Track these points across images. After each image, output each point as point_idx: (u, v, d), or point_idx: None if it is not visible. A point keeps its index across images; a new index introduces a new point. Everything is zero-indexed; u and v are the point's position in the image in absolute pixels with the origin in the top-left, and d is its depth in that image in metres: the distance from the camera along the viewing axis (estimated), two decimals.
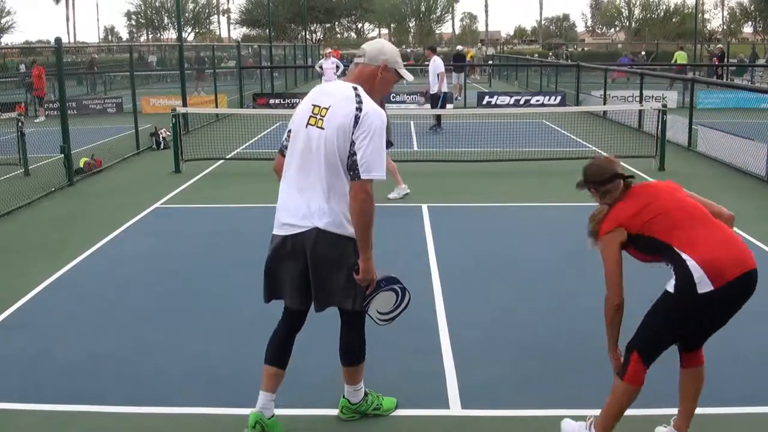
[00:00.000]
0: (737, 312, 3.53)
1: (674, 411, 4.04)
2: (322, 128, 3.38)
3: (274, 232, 3.56)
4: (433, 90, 15.83)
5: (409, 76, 3.65)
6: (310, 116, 3.44)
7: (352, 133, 3.33)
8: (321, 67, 21.14)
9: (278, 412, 3.88)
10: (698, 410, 4.06)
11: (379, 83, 3.53)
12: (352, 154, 3.33)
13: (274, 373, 3.70)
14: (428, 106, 16.35)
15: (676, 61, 29.02)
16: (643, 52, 40.20)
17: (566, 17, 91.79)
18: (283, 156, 3.59)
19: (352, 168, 3.34)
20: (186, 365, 4.70)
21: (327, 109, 3.40)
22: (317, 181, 3.40)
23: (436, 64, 15.76)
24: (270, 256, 3.58)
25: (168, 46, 37.02)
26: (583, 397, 4.23)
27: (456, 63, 24.71)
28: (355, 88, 3.43)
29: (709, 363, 4.79)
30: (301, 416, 4.03)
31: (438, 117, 16.11)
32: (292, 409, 4.04)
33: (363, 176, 3.32)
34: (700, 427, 3.93)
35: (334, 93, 3.46)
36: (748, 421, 4.03)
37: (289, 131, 3.57)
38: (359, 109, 3.35)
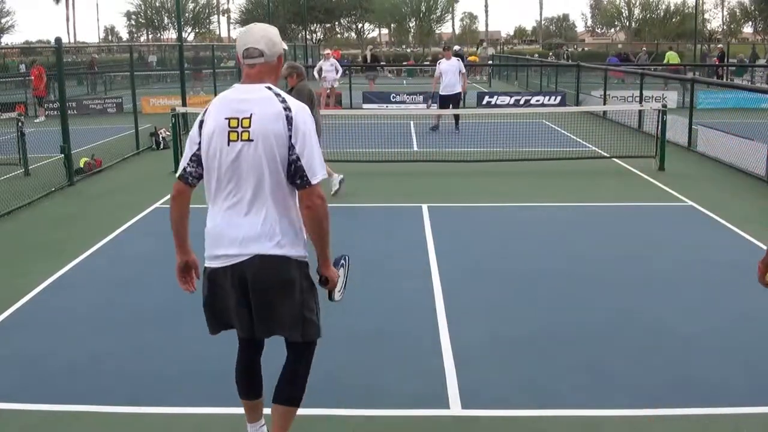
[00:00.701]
0: None
1: (674, 411, 4.05)
2: (251, 140, 2.99)
3: (207, 265, 3.24)
4: (459, 89, 15.77)
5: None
6: (229, 131, 3.01)
7: (289, 137, 2.98)
8: (320, 71, 19.76)
9: None
10: (698, 410, 4.06)
11: (277, 74, 3.19)
12: (294, 160, 2.99)
13: (252, 405, 3.51)
14: (431, 109, 16.15)
15: (668, 61, 29.01)
16: (644, 48, 39.98)
17: (566, 17, 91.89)
18: (187, 185, 3.18)
19: (297, 175, 3.01)
20: (186, 365, 4.70)
21: (249, 118, 3.00)
22: (258, 200, 3.04)
23: (460, 64, 15.88)
24: (207, 290, 3.28)
25: (168, 46, 37.03)
26: (583, 397, 4.23)
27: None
28: (269, 88, 3.08)
29: (710, 362, 4.80)
30: (298, 416, 4.02)
31: (456, 117, 15.91)
32: None
33: (313, 181, 3.01)
34: (703, 427, 3.93)
35: (248, 99, 3.05)
36: (751, 422, 4.03)
37: (194, 155, 3.12)
38: (287, 109, 3.01)
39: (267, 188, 3.02)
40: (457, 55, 17.43)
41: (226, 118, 3.03)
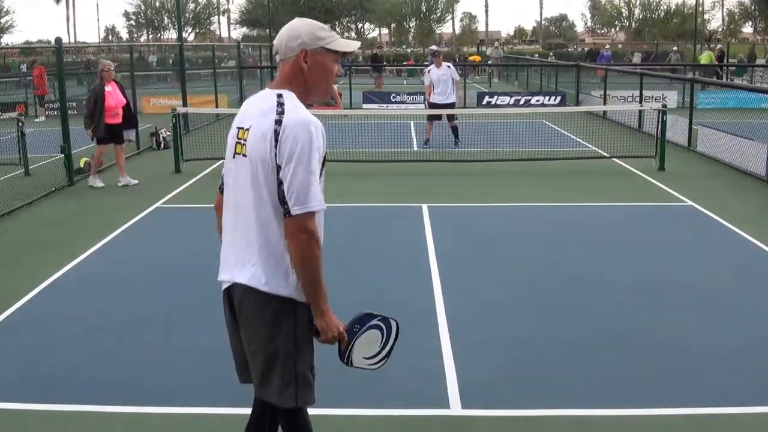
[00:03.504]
0: None
1: (672, 411, 4.05)
2: (245, 155, 2.65)
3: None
4: (453, 99, 14.14)
5: (349, 46, 2.77)
6: (237, 143, 2.71)
7: (275, 156, 2.55)
8: None
9: None
10: (698, 410, 4.07)
11: (310, 74, 2.68)
12: (279, 183, 2.57)
13: None
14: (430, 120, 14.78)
15: (700, 61, 29.05)
16: (645, 47, 39.89)
17: (564, 17, 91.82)
18: (222, 194, 2.91)
19: (282, 201, 2.58)
20: (186, 365, 4.70)
21: (248, 130, 2.65)
22: (249, 223, 2.67)
23: (453, 71, 14.22)
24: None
25: (167, 46, 37.03)
26: (583, 397, 4.23)
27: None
28: (279, 95, 2.64)
29: (710, 362, 4.80)
30: None
31: (455, 131, 14.15)
32: None
33: (295, 211, 2.54)
34: (703, 427, 3.93)
35: (256, 107, 2.70)
36: (752, 421, 4.03)
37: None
38: (278, 122, 2.56)
39: (259, 211, 2.64)
40: (434, 54, 15.44)
41: (237, 127, 2.73)
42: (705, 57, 29.71)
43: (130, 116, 11.05)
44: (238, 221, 2.71)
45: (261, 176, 2.60)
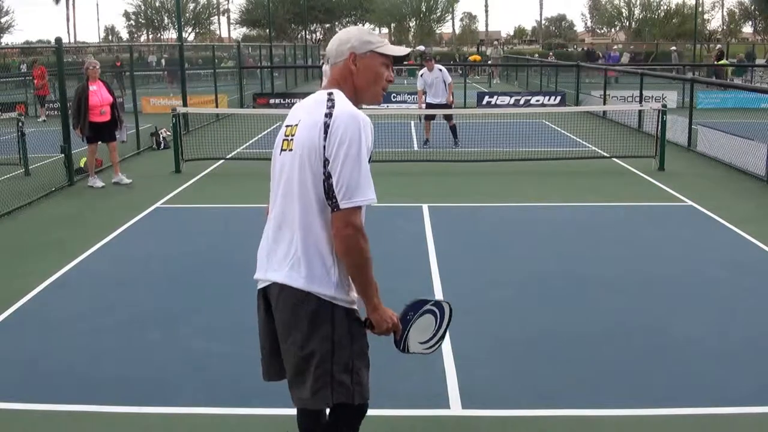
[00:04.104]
0: None
1: (672, 411, 4.05)
2: (292, 150, 2.65)
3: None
4: (447, 99, 14.16)
5: (398, 51, 2.78)
6: (284, 140, 2.73)
7: (324, 147, 2.55)
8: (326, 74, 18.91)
9: (278, 411, 3.89)
10: (698, 410, 4.07)
11: (360, 76, 2.71)
12: (327, 176, 2.55)
13: None
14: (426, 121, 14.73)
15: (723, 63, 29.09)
16: (643, 46, 39.90)
17: (563, 17, 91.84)
18: None
19: (329, 196, 2.56)
20: (186, 365, 4.70)
21: (296, 125, 2.67)
22: (292, 219, 2.65)
23: (445, 73, 14.17)
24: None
25: (166, 46, 37.01)
26: (583, 396, 4.23)
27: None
28: (330, 93, 2.68)
29: (710, 362, 4.79)
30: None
31: (453, 130, 14.21)
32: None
33: (343, 205, 2.52)
34: (703, 427, 3.93)
35: (307, 104, 2.73)
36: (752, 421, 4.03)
37: None
38: (328, 115, 2.57)
39: (304, 207, 2.62)
40: (425, 58, 15.25)
41: (286, 125, 2.75)
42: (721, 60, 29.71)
43: (115, 115, 10.74)
44: (283, 219, 2.69)
45: (307, 169, 2.59)
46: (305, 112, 2.67)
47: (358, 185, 2.53)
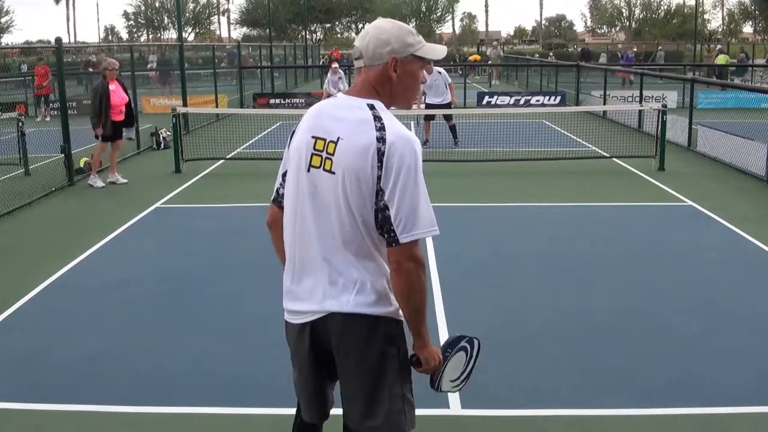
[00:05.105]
0: None
1: (672, 411, 4.05)
2: (333, 173, 2.37)
3: (286, 319, 2.64)
4: (448, 99, 14.13)
5: (438, 53, 2.53)
6: (313, 154, 2.42)
7: (379, 177, 2.31)
8: (331, 84, 17.86)
9: (279, 411, 3.89)
10: (698, 410, 4.07)
11: (399, 84, 2.46)
12: (383, 208, 2.33)
13: None
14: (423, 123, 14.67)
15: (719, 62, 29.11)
16: (643, 47, 39.93)
17: (563, 17, 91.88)
18: (280, 208, 2.60)
19: (383, 227, 2.36)
20: (186, 365, 4.70)
21: (335, 142, 2.37)
22: (335, 246, 2.43)
23: (444, 75, 14.16)
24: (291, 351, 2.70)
25: (158, 46, 36.97)
26: (583, 396, 4.23)
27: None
28: (372, 107, 2.40)
29: (710, 362, 4.79)
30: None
31: (453, 130, 14.20)
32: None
33: (403, 239, 2.33)
34: (703, 427, 3.93)
35: (342, 117, 2.41)
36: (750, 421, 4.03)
37: (284, 174, 2.57)
38: (381, 140, 2.31)
39: (348, 233, 2.39)
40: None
41: (313, 137, 2.44)
42: (721, 59, 29.70)
43: (131, 114, 11.16)
44: (324, 245, 2.44)
45: (358, 197, 2.34)
46: (346, 130, 2.38)
47: (419, 216, 2.34)
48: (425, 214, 2.37)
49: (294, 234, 2.51)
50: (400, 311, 2.50)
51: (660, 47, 40.14)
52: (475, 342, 2.86)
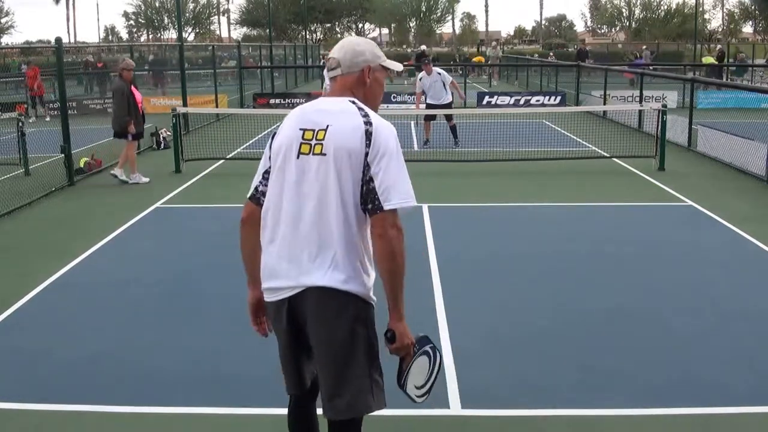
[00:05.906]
0: None
1: (672, 411, 4.05)
2: (323, 154, 2.63)
3: (266, 299, 2.81)
4: (448, 100, 14.07)
5: (396, 66, 2.96)
6: (302, 143, 2.67)
7: (366, 154, 2.60)
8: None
9: (279, 411, 3.89)
10: (698, 410, 4.07)
11: (371, 89, 2.81)
12: (368, 180, 2.60)
13: None
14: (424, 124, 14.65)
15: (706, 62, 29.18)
16: (647, 48, 39.85)
17: (563, 17, 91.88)
18: (260, 206, 2.78)
19: (368, 199, 2.61)
20: (186, 365, 4.70)
21: (325, 129, 2.66)
22: (326, 222, 2.63)
23: (444, 75, 14.06)
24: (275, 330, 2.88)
25: (165, 46, 37.00)
26: (583, 396, 4.23)
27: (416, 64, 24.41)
28: (353, 101, 2.73)
29: (710, 362, 4.79)
30: None
31: (453, 130, 14.16)
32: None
33: (387, 206, 2.58)
34: (703, 427, 3.93)
35: (327, 110, 2.72)
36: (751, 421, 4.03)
37: (266, 172, 2.79)
38: (368, 123, 2.64)
39: (334, 211, 2.62)
40: (422, 55, 14.79)
41: (300, 129, 2.71)
42: (705, 59, 29.83)
43: (143, 113, 11.39)
44: (305, 224, 2.65)
45: (346, 172, 2.61)
46: (333, 118, 2.68)
47: (400, 187, 2.61)
48: (406, 188, 2.63)
49: (277, 215, 2.71)
50: (372, 295, 2.71)
51: (645, 47, 40.02)
52: (438, 354, 2.88)
